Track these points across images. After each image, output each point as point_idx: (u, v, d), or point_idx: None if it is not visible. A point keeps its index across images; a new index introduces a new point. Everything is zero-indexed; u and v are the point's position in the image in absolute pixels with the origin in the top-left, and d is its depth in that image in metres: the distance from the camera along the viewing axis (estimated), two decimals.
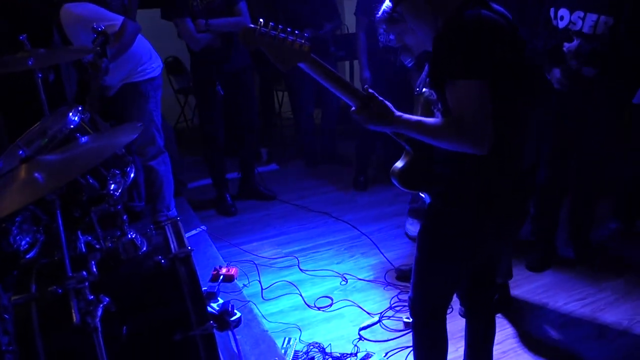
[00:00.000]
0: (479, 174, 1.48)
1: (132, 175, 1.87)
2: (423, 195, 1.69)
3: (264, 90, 5.28)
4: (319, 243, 3.35)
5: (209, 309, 2.41)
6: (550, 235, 3.00)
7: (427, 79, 1.62)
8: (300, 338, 2.47)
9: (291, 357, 2.34)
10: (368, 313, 2.64)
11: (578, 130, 2.71)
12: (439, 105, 1.50)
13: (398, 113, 1.45)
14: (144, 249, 1.73)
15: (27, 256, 1.91)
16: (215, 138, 3.67)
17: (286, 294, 2.83)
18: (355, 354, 2.36)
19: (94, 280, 1.46)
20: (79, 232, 1.84)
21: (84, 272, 1.42)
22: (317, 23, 4.11)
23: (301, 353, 2.37)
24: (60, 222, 1.46)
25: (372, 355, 2.34)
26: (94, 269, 1.51)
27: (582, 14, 2.46)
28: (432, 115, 1.61)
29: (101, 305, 1.39)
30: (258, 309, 2.68)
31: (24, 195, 1.38)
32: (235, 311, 2.47)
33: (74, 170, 1.49)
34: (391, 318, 2.59)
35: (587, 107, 2.62)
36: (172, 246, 1.73)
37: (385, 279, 2.92)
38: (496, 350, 2.05)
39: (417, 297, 1.75)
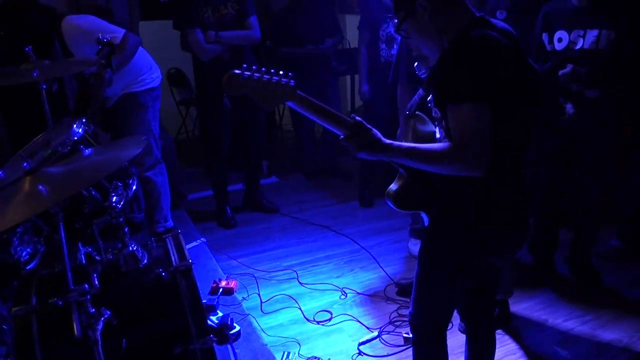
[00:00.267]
0: (478, 187, 1.49)
1: (134, 187, 1.88)
2: (422, 215, 1.70)
3: None
4: (319, 256, 3.35)
5: (209, 322, 2.40)
6: (548, 254, 3.01)
7: (419, 100, 1.64)
8: (299, 352, 2.45)
9: None
10: (367, 328, 2.63)
11: (581, 151, 2.71)
12: (443, 123, 1.51)
13: (387, 141, 1.44)
14: (145, 261, 1.74)
15: (28, 267, 1.91)
16: (220, 150, 3.68)
17: (285, 307, 2.82)
18: None
19: (95, 293, 1.46)
20: (80, 244, 1.84)
21: (86, 285, 1.42)
22: (319, 38, 4.15)
23: None
24: (62, 234, 1.46)
25: None
26: (96, 282, 1.51)
27: (581, 32, 2.49)
28: (424, 141, 1.62)
29: (102, 319, 1.39)
30: (257, 322, 2.67)
31: (28, 207, 1.39)
32: (235, 324, 2.46)
33: (78, 184, 1.50)
34: (391, 333, 2.58)
35: (592, 128, 2.63)
36: (172, 259, 1.74)
37: (385, 293, 2.91)
38: None
39: (418, 312, 1.75)
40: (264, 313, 2.77)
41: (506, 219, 1.56)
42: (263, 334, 2.58)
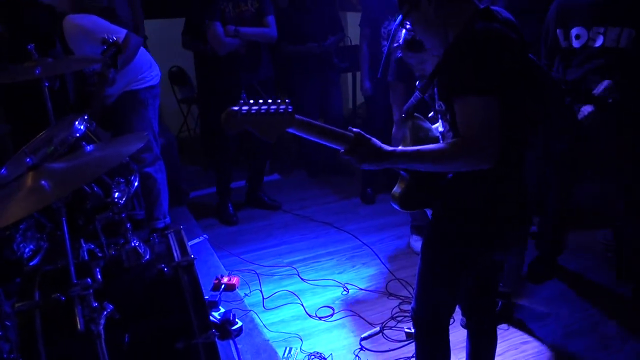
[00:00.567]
0: (484, 182, 1.49)
1: (136, 183, 1.89)
2: (427, 211, 1.71)
3: None
4: (321, 253, 3.36)
5: (211, 317, 2.41)
6: (553, 254, 2.97)
7: (416, 102, 1.64)
8: (302, 348, 2.46)
9: None
10: (369, 323, 2.63)
11: (598, 153, 2.64)
12: (448, 117, 1.51)
13: (389, 148, 1.43)
14: (147, 257, 1.74)
15: (31, 263, 1.92)
16: (227, 148, 3.71)
17: (287, 303, 2.83)
18: None
19: (98, 288, 1.47)
20: (82, 240, 1.85)
21: (89, 280, 1.43)
22: (321, 36, 4.15)
23: None
24: (65, 229, 1.47)
25: None
26: (99, 276, 1.52)
27: (602, 29, 2.38)
28: (423, 141, 1.62)
29: (105, 313, 1.40)
30: (259, 318, 2.67)
31: (31, 202, 1.39)
32: (237, 320, 2.48)
33: (81, 179, 1.50)
34: (393, 328, 2.58)
35: (613, 131, 2.55)
36: (175, 254, 1.74)
37: (386, 289, 2.91)
38: None
39: (420, 307, 1.75)
40: (266, 309, 2.78)
41: (512, 214, 1.56)
42: (265, 330, 2.59)
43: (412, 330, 1.83)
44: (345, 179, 4.53)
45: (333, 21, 4.28)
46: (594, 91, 2.41)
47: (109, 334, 1.44)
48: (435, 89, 1.58)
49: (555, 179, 2.80)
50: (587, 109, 2.45)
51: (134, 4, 3.90)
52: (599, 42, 2.41)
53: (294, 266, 3.18)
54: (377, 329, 2.57)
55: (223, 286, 2.85)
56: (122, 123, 2.99)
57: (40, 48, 2.38)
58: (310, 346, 2.48)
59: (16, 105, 3.11)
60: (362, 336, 2.52)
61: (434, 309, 1.75)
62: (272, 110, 1.34)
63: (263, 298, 2.87)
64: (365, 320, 2.65)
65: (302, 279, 3.05)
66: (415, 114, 1.69)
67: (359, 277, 3.06)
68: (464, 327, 1.91)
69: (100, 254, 1.80)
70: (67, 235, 1.46)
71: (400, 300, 2.79)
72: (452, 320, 2.23)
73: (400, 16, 1.96)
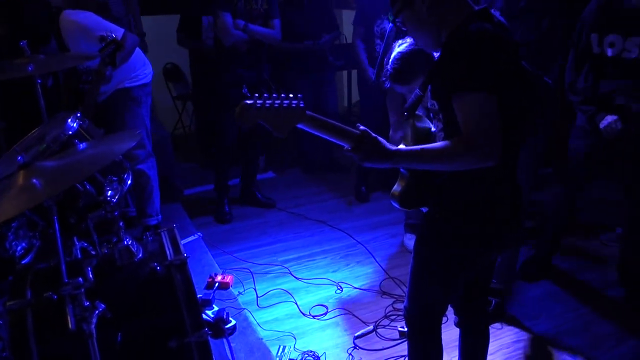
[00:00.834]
0: (479, 183, 1.50)
1: (129, 181, 1.88)
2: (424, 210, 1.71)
3: None
4: (315, 251, 3.36)
5: (204, 316, 2.41)
6: (548, 254, 2.97)
7: (416, 100, 1.64)
8: (295, 346, 2.46)
9: None
10: (363, 322, 2.64)
11: (623, 164, 2.59)
12: (440, 116, 1.51)
13: (394, 148, 1.44)
14: (140, 255, 1.74)
15: (23, 262, 1.91)
16: (227, 145, 3.72)
17: (281, 302, 2.83)
18: None
19: (89, 287, 1.46)
20: (75, 238, 1.84)
21: (80, 279, 1.42)
22: (316, 34, 4.15)
23: None
24: (57, 228, 1.46)
25: None
26: (90, 276, 1.51)
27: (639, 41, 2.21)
28: (424, 139, 1.62)
29: (96, 312, 1.40)
30: (253, 316, 2.67)
31: (22, 201, 1.39)
32: (230, 319, 2.47)
33: (72, 177, 1.49)
34: (386, 327, 2.59)
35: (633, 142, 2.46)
36: (167, 253, 1.74)
37: (380, 287, 2.92)
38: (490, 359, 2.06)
39: (412, 306, 1.76)
40: (260, 307, 2.78)
41: (509, 214, 1.57)
42: (259, 328, 2.59)
43: (405, 329, 1.84)
44: (340, 177, 4.53)
45: (328, 19, 4.28)
46: (600, 125, 2.36)
47: (102, 332, 1.44)
48: (429, 87, 1.58)
49: (565, 180, 2.74)
50: (609, 119, 2.37)
51: (130, 0, 3.89)
52: (634, 54, 2.27)
53: (285, 265, 3.18)
54: (371, 327, 2.58)
55: (217, 284, 2.85)
56: (115, 120, 2.99)
57: (34, 45, 2.37)
58: (303, 345, 2.48)
59: (11, 102, 3.08)
60: (356, 335, 2.53)
61: (427, 307, 1.75)
62: (285, 105, 1.36)
63: (257, 296, 2.87)
64: (359, 319, 2.66)
65: (296, 277, 3.05)
66: (417, 112, 1.70)
67: (353, 276, 3.06)
68: (457, 326, 1.92)
69: (93, 252, 1.80)
70: (58, 234, 1.45)
71: (394, 299, 2.80)
72: (445, 319, 2.24)
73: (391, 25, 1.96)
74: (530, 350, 2.43)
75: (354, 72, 5.00)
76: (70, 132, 1.87)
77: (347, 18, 5.49)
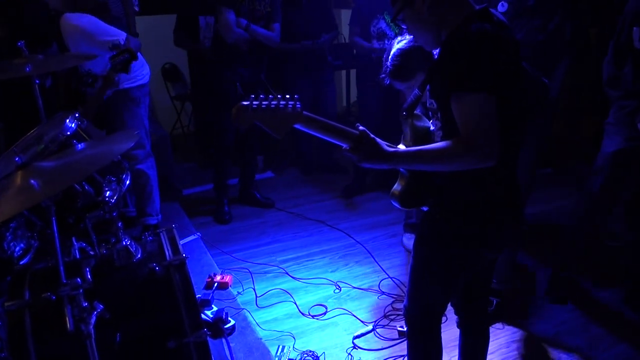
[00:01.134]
0: (476, 183, 1.49)
1: (127, 182, 1.88)
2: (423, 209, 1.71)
3: None
4: (314, 251, 3.36)
5: (203, 316, 2.41)
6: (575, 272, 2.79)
7: (415, 99, 1.64)
8: (294, 346, 2.46)
9: None
10: (362, 322, 2.64)
11: None
12: (439, 115, 1.51)
13: (392, 149, 1.44)
14: (139, 255, 1.74)
15: (21, 262, 1.90)
16: (226, 145, 3.72)
17: (280, 301, 2.83)
18: None
19: (88, 288, 1.46)
20: (74, 239, 1.84)
21: (78, 279, 1.42)
22: (315, 33, 4.15)
23: None
24: (55, 228, 1.45)
25: None
26: (88, 276, 1.51)
27: None
28: (423, 139, 1.62)
29: (95, 313, 1.39)
30: (252, 316, 2.67)
31: (20, 201, 1.38)
32: (230, 319, 2.48)
33: (70, 177, 1.49)
34: (385, 327, 2.59)
35: None
36: (166, 253, 1.74)
37: (379, 287, 2.92)
38: (490, 359, 2.05)
39: (412, 306, 1.76)
40: (259, 307, 2.78)
41: (508, 214, 1.57)
42: (258, 328, 2.58)
43: (405, 329, 1.84)
44: (339, 177, 4.53)
45: (326, 18, 4.28)
46: (638, 122, 2.25)
47: (100, 333, 1.44)
48: (428, 86, 1.58)
49: (594, 185, 2.50)
50: None
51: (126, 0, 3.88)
52: None
53: (282, 266, 3.16)
54: (370, 327, 2.58)
55: (216, 284, 2.84)
56: (114, 121, 3.00)
57: (35, 47, 2.36)
58: (303, 344, 2.48)
59: (10, 102, 3.08)
60: (355, 335, 2.53)
61: (428, 307, 1.75)
62: (282, 106, 1.37)
63: (256, 296, 2.87)
64: (358, 319, 2.66)
65: (295, 277, 3.05)
66: (416, 112, 1.70)
67: (352, 276, 3.06)
68: (458, 326, 1.92)
69: (92, 253, 1.79)
70: (56, 234, 1.45)
71: (393, 299, 2.80)
72: (444, 319, 2.24)
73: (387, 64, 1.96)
74: (528, 350, 2.43)
75: (353, 72, 5.00)
76: (69, 133, 1.87)
77: (345, 18, 5.49)
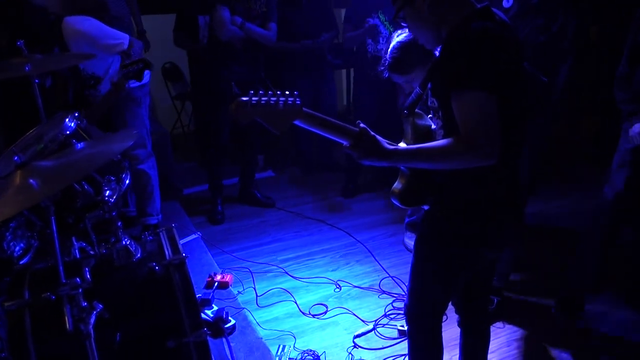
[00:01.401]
0: (477, 182, 1.49)
1: (127, 181, 1.88)
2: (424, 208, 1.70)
3: None
4: (314, 250, 3.35)
5: (204, 315, 2.41)
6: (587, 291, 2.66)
7: (416, 97, 1.63)
8: (295, 345, 2.46)
9: None
10: (363, 321, 2.63)
11: None
12: (440, 114, 1.50)
13: (391, 147, 1.43)
14: (138, 255, 1.73)
15: (21, 262, 1.90)
16: (219, 144, 3.71)
17: (281, 301, 2.83)
18: None
19: (87, 287, 1.46)
20: (74, 238, 1.84)
21: (78, 279, 1.42)
22: (315, 33, 4.14)
23: None
24: (54, 228, 1.45)
25: None
26: (88, 276, 1.50)
27: None
28: (424, 137, 1.62)
29: (94, 312, 1.39)
30: (253, 316, 2.67)
31: (19, 201, 1.38)
32: (230, 318, 2.48)
33: (69, 177, 1.49)
34: (386, 326, 2.58)
35: None
36: (166, 253, 1.73)
37: (380, 286, 2.92)
38: (491, 358, 2.05)
39: (413, 304, 1.75)
40: (260, 307, 2.78)
41: (509, 214, 1.56)
42: (258, 328, 2.58)
43: (405, 328, 1.83)
44: (339, 176, 4.52)
45: (327, 18, 4.27)
46: (631, 131, 2.21)
47: (100, 333, 1.44)
48: (429, 85, 1.57)
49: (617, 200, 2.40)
50: (638, 127, 2.22)
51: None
52: None
53: (282, 265, 3.16)
54: (371, 326, 2.58)
55: (216, 284, 2.84)
56: (116, 122, 3.01)
57: (36, 51, 2.35)
58: (303, 344, 2.47)
59: (10, 102, 3.08)
60: (356, 334, 2.52)
61: (428, 306, 1.75)
62: (281, 102, 1.36)
63: (256, 296, 2.86)
64: (359, 318, 2.65)
65: (295, 276, 3.04)
66: (417, 110, 1.69)
67: (353, 275, 3.06)
68: (459, 325, 1.91)
69: (92, 252, 1.79)
70: (55, 234, 1.45)
71: (394, 298, 2.79)
72: (445, 318, 2.24)
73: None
74: (529, 350, 2.42)
75: (353, 70, 4.99)
76: (68, 132, 1.86)
77: None
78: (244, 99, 1.34)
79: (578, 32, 2.50)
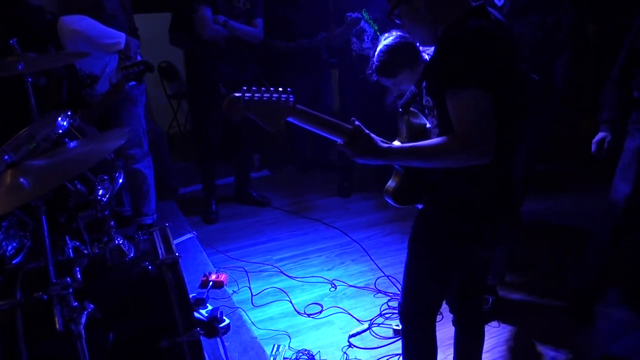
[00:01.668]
0: (471, 180, 1.49)
1: (120, 180, 1.86)
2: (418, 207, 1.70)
3: None
4: (310, 249, 3.35)
5: (198, 315, 2.40)
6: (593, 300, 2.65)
7: (411, 96, 1.63)
8: (290, 345, 2.45)
9: None
10: (358, 320, 2.63)
11: None
12: (435, 112, 1.50)
13: (386, 145, 1.43)
14: (131, 255, 1.73)
15: (14, 261, 1.89)
16: (212, 144, 3.70)
17: (276, 300, 2.82)
18: None
19: (78, 287, 1.45)
20: (67, 238, 1.83)
21: (68, 279, 1.41)
22: (312, 32, 4.13)
23: None
24: (45, 227, 1.44)
25: None
26: (78, 276, 1.50)
27: None
28: (419, 136, 1.61)
29: (85, 312, 1.38)
30: (247, 315, 2.66)
31: (10, 201, 1.37)
32: (224, 318, 2.47)
33: (61, 176, 1.48)
34: (381, 325, 2.58)
35: None
36: (159, 252, 1.73)
37: (375, 286, 2.91)
38: (485, 357, 2.05)
39: (408, 303, 1.75)
40: (255, 306, 2.77)
41: (503, 212, 1.56)
42: (253, 327, 2.58)
43: (400, 327, 1.83)
44: (335, 176, 4.52)
45: (323, 17, 4.26)
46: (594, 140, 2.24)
47: (93, 332, 1.43)
48: (424, 83, 1.57)
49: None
50: (601, 135, 2.25)
51: None
52: None
53: (277, 265, 3.15)
54: (366, 325, 2.57)
55: (211, 283, 2.83)
56: (112, 121, 2.99)
57: (33, 48, 2.34)
58: (298, 343, 2.47)
59: (10, 102, 3.07)
60: (351, 333, 2.52)
61: (423, 305, 1.75)
62: (274, 99, 1.35)
63: (251, 295, 2.86)
64: (354, 317, 2.65)
65: (291, 276, 3.04)
66: (411, 108, 1.69)
67: (348, 274, 3.05)
68: (453, 324, 1.91)
69: (86, 252, 1.78)
70: (46, 234, 1.44)
71: (389, 297, 2.79)
72: (440, 317, 2.24)
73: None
74: (524, 349, 2.42)
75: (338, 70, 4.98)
76: (61, 131, 1.85)
77: None
78: (237, 95, 1.33)
79: (573, 25, 2.50)
